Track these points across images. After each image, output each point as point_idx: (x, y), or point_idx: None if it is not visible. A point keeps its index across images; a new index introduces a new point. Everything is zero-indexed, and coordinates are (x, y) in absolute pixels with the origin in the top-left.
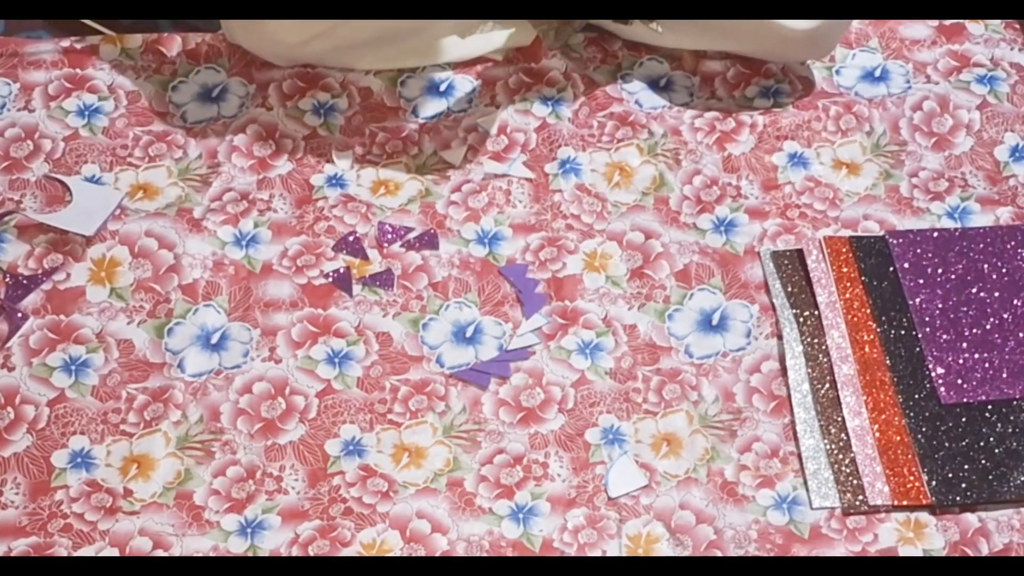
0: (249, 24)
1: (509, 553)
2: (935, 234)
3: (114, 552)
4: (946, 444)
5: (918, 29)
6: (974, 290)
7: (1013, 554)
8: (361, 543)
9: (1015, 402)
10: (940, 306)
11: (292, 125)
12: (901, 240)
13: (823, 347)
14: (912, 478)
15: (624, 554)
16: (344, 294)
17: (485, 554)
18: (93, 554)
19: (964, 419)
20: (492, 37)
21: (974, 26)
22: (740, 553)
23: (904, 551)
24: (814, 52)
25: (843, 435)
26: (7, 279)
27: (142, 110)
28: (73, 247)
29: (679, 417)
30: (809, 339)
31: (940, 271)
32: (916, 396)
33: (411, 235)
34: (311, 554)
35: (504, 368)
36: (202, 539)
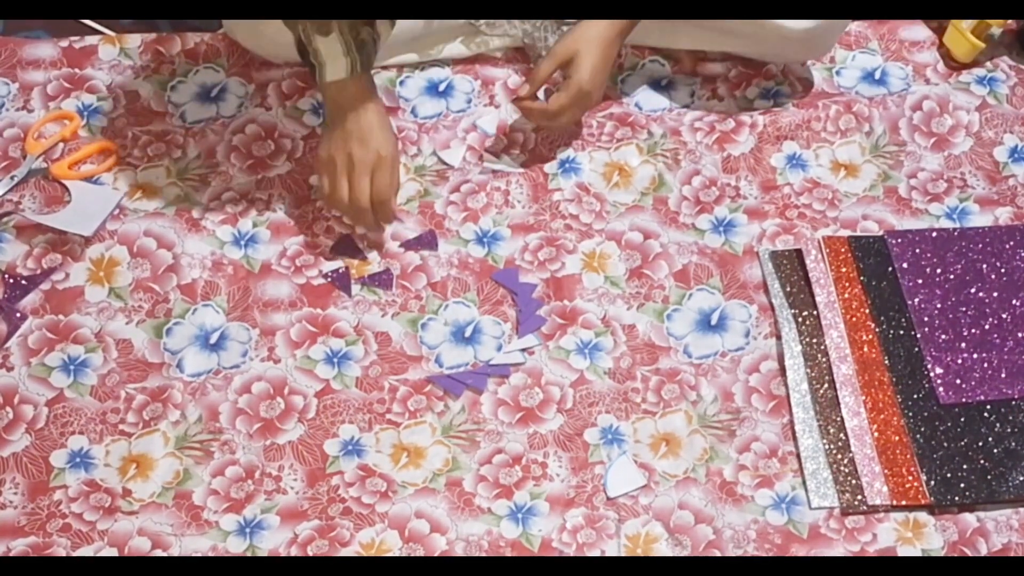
0: (249, 23)
1: (508, 553)
2: (934, 234)
3: (113, 552)
4: (945, 444)
5: (918, 31)
6: (973, 290)
7: (1012, 554)
8: (360, 543)
9: (1014, 402)
10: (939, 306)
11: (291, 125)
12: (900, 240)
13: (822, 347)
14: (911, 478)
15: (623, 554)
16: (343, 294)
17: (484, 554)
18: (92, 554)
19: (963, 419)
20: (490, 41)
21: None
22: (739, 553)
23: (903, 551)
24: (811, 52)
25: (842, 435)
26: (6, 279)
27: (141, 110)
28: (72, 247)
29: (678, 417)
30: (808, 339)
31: (939, 271)
32: (915, 396)
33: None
34: (310, 554)
35: (481, 381)
36: (201, 539)
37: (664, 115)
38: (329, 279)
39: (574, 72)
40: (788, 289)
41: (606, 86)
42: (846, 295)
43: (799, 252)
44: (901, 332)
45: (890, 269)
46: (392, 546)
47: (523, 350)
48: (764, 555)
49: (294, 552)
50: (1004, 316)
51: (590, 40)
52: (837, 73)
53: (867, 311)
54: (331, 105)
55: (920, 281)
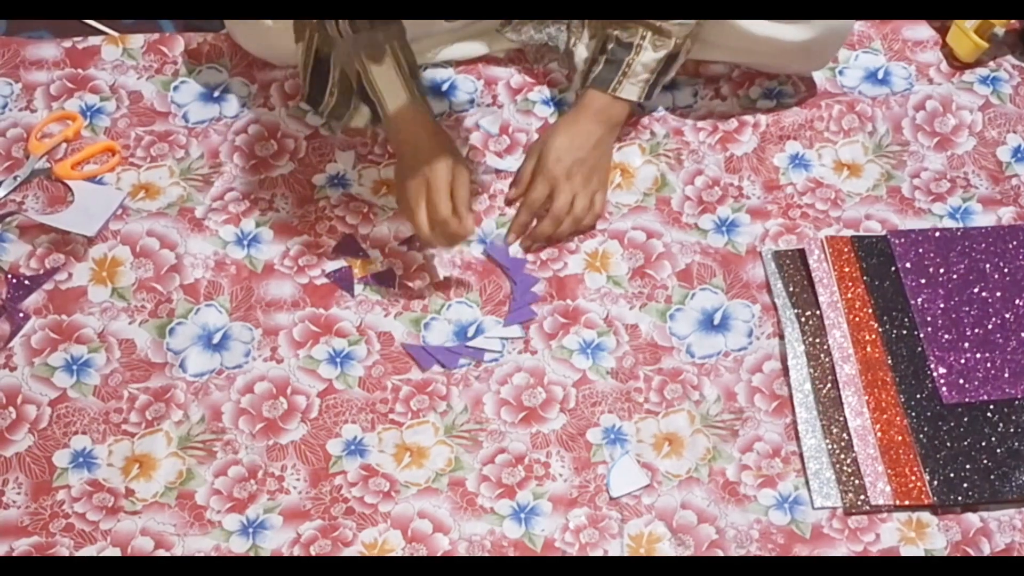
0: (251, 27)
1: (511, 553)
2: (937, 234)
3: (116, 552)
4: (948, 444)
5: (921, 30)
6: (976, 290)
7: (1015, 554)
8: (363, 543)
9: (1017, 402)
10: (942, 306)
11: (294, 125)
12: (903, 240)
13: (825, 347)
14: (914, 478)
15: (626, 554)
16: (346, 294)
17: (487, 554)
18: (95, 554)
19: (966, 419)
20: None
21: None
22: (742, 553)
23: (906, 551)
24: (810, 63)
25: (845, 435)
26: (9, 279)
27: (144, 110)
28: (75, 247)
29: (681, 417)
30: (811, 339)
31: (942, 271)
32: (918, 396)
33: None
34: (313, 554)
35: (452, 359)
36: (204, 539)
37: (667, 115)
38: (332, 279)
39: (541, 158)
40: (791, 289)
41: (604, 167)
42: (849, 295)
43: (802, 252)
44: (904, 332)
45: (893, 269)
46: (395, 546)
47: (504, 340)
48: (767, 555)
49: (297, 552)
50: (1007, 316)
51: (554, 126)
52: (840, 73)
53: (870, 311)
54: (395, 134)
55: (923, 281)
